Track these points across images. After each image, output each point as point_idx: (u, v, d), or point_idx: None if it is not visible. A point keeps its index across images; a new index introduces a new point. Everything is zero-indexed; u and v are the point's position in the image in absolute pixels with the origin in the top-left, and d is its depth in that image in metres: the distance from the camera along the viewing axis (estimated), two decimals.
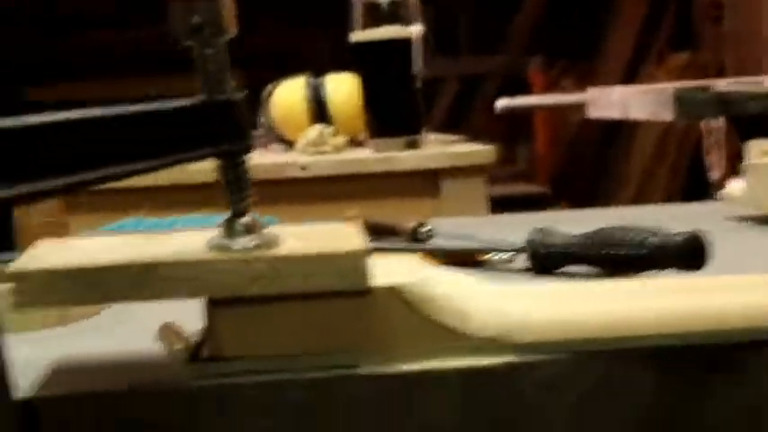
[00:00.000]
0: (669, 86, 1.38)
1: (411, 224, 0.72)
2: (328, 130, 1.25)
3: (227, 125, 0.41)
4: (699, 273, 0.52)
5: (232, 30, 0.40)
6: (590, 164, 3.92)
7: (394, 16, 1.15)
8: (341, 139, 1.25)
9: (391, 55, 1.16)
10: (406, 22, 1.16)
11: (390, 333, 0.40)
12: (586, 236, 0.57)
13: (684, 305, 0.41)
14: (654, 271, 0.54)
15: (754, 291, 0.42)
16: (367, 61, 1.18)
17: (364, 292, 0.39)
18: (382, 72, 1.17)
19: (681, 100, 1.30)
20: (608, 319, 0.40)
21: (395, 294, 0.40)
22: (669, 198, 3.63)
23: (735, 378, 0.40)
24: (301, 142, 1.23)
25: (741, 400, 0.40)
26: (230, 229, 0.41)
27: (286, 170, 1.15)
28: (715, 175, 1.84)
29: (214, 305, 0.40)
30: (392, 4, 1.16)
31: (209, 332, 0.40)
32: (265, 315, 0.39)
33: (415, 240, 0.71)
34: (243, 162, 0.42)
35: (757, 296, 0.41)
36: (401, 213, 0.89)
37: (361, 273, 0.39)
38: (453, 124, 3.34)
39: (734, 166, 1.98)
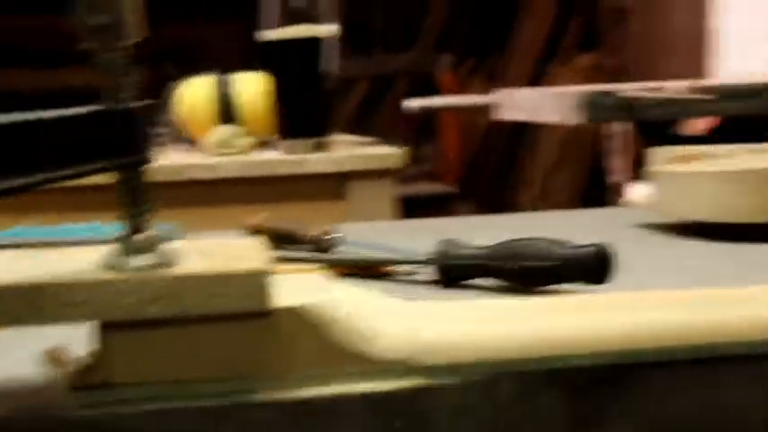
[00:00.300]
0: (578, 90, 1.40)
1: (316, 232, 0.71)
2: (236, 130, 1.23)
3: (125, 137, 0.39)
4: (605, 285, 0.52)
5: (138, 33, 0.38)
6: (496, 164, 3.96)
7: (307, 15, 1.13)
8: (249, 140, 1.23)
9: (301, 54, 1.14)
10: (320, 21, 1.14)
11: (292, 356, 0.38)
12: (494, 247, 0.56)
13: (595, 323, 0.41)
14: (561, 284, 0.54)
15: (662, 308, 0.42)
16: (277, 60, 1.16)
17: (265, 314, 0.38)
18: (292, 72, 1.15)
19: (590, 104, 1.32)
20: (520, 339, 0.39)
21: (297, 316, 0.38)
22: (572, 198, 3.69)
23: (644, 398, 0.40)
24: (208, 142, 1.20)
25: (653, 420, 0.40)
26: (126, 245, 0.39)
27: (192, 171, 1.12)
28: (615, 178, 1.88)
29: (106, 328, 0.38)
30: (306, 2, 1.13)
31: (99, 357, 0.38)
32: (161, 339, 0.38)
33: (319, 249, 0.70)
34: (140, 175, 0.40)
35: (665, 313, 0.41)
36: (309, 216, 0.88)
37: (263, 293, 0.38)
38: (363, 124, 3.34)
39: (634, 170, 2.02)
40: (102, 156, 0.39)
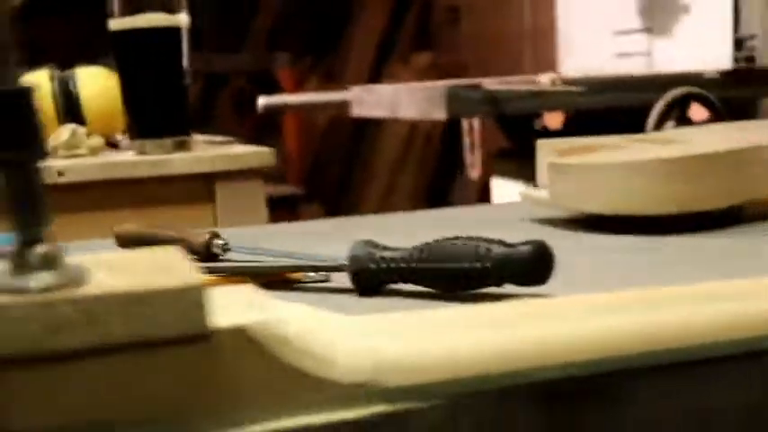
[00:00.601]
0: (440, 84, 1.37)
1: (203, 237, 0.64)
2: (82, 129, 1.12)
3: (12, 125, 0.31)
4: (543, 286, 0.48)
5: None
6: (340, 163, 3.93)
7: (157, 3, 1.04)
8: (97, 140, 1.13)
9: (160, 45, 1.05)
10: (172, 9, 1.05)
11: (239, 386, 0.32)
12: (416, 249, 0.51)
13: (567, 331, 0.36)
14: (495, 286, 0.49)
15: (631, 310, 0.38)
16: (131, 52, 1.07)
17: (205, 337, 0.31)
18: (149, 65, 1.06)
19: (452, 98, 1.29)
20: (492, 351, 0.34)
21: (243, 337, 0.32)
22: (417, 196, 3.71)
23: (627, 407, 0.36)
24: (51, 144, 1.09)
25: (636, 429, 0.36)
26: (21, 262, 0.31)
27: None
28: (474, 173, 1.87)
29: (1, 364, 0.30)
30: None
31: None
32: (72, 375, 0.30)
33: (209, 257, 0.63)
34: (35, 172, 0.32)
35: (638, 316, 0.37)
36: (176, 221, 0.80)
37: (200, 312, 0.31)
38: (199, 124, 3.22)
39: (490, 166, 2.03)
40: None
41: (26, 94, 0.31)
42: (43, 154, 0.32)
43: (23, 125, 0.32)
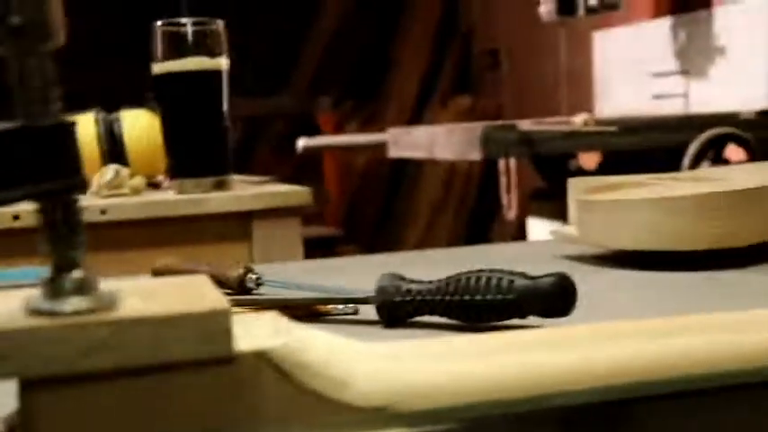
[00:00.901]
0: (476, 126, 1.39)
1: (237, 271, 0.65)
2: (125, 170, 1.15)
3: (54, 157, 0.33)
4: (566, 318, 0.49)
5: (61, 35, 0.32)
6: (378, 205, 3.96)
7: (199, 47, 1.07)
8: (139, 180, 1.16)
9: (201, 88, 1.08)
10: (214, 53, 1.08)
11: (259, 408, 0.33)
12: (441, 282, 0.52)
13: (584, 358, 0.37)
14: (519, 318, 0.50)
15: (651, 338, 0.39)
16: (173, 95, 1.10)
17: (228, 360, 0.33)
18: (190, 107, 1.09)
19: (488, 139, 1.31)
20: (508, 377, 0.35)
21: (265, 361, 0.33)
22: (456, 236, 3.71)
23: None
24: (95, 184, 1.12)
25: None
26: (56, 286, 0.33)
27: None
28: (510, 214, 1.88)
29: (31, 385, 0.32)
30: (197, 33, 1.08)
31: (24, 419, 0.32)
32: (102, 395, 0.32)
33: (243, 290, 0.64)
34: (74, 202, 0.34)
35: (657, 344, 0.38)
36: (214, 258, 0.82)
37: (225, 336, 0.32)
38: (238, 166, 3.27)
39: (527, 206, 2.04)
40: (23, 181, 0.33)
41: (67, 128, 0.33)
42: (82, 185, 0.34)
43: (64, 157, 0.34)
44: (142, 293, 0.34)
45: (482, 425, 0.35)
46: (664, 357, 0.37)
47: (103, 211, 1.03)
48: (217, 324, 0.32)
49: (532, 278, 0.49)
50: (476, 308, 0.50)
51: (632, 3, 2.19)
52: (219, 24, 1.10)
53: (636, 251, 0.68)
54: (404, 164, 3.77)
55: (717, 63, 1.82)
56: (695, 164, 1.32)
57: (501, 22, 3.90)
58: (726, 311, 0.43)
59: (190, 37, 1.08)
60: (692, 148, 1.32)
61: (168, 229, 1.05)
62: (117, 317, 0.32)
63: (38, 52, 0.32)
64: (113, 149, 1.23)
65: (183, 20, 1.09)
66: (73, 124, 0.34)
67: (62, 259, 0.33)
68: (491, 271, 0.51)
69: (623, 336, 0.40)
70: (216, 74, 1.08)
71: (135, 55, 1.35)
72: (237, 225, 1.07)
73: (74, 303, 0.32)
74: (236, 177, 1.18)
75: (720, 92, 1.79)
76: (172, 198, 1.08)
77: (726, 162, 1.40)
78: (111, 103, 1.30)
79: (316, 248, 3.25)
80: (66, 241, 0.34)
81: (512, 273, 0.50)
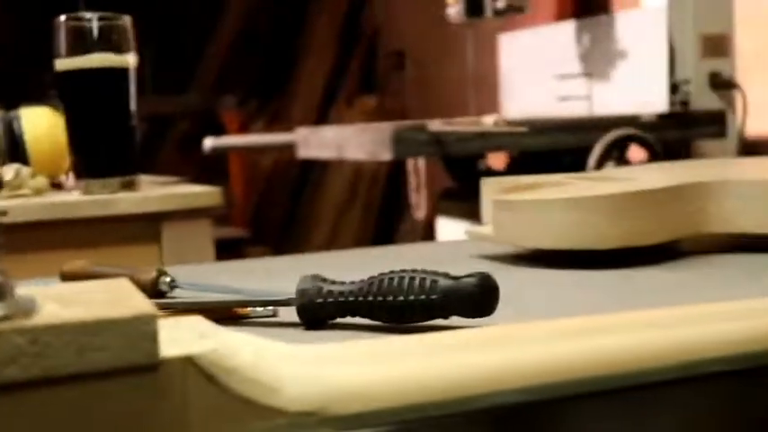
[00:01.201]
0: (386, 126, 1.39)
1: (150, 274, 0.64)
2: (26, 170, 1.12)
3: None
4: (488, 317, 0.49)
5: None
6: (285, 206, 3.93)
7: (105, 43, 1.04)
8: (41, 181, 1.12)
9: (107, 85, 1.05)
10: (120, 50, 1.05)
11: (187, 415, 0.32)
12: (363, 283, 0.52)
13: (511, 358, 0.37)
14: (441, 318, 0.50)
15: (576, 337, 0.39)
16: (78, 93, 1.06)
17: (154, 367, 0.32)
18: (96, 105, 1.06)
19: (398, 139, 1.31)
20: (438, 378, 0.35)
21: (192, 366, 0.32)
22: (362, 237, 3.72)
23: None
24: None
25: None
26: None
27: None
28: (419, 213, 1.89)
29: None
30: (103, 29, 1.04)
31: None
32: (24, 406, 0.30)
33: (156, 294, 0.63)
34: None
35: (582, 343, 0.38)
36: (123, 261, 0.79)
37: (152, 342, 0.31)
38: (142, 166, 3.20)
39: (435, 206, 2.05)
40: None
41: None
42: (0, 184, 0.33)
43: None
44: (61, 299, 0.33)
45: (411, 428, 0.34)
46: (591, 356, 0.37)
47: (3, 213, 0.99)
48: (142, 329, 0.31)
49: (455, 278, 0.49)
50: (399, 309, 0.50)
51: (537, 6, 2.23)
52: (126, 20, 1.07)
53: (551, 250, 0.69)
54: (311, 164, 3.75)
55: (618, 66, 1.86)
56: (600, 164, 1.35)
57: (405, 23, 3.93)
58: (642, 308, 0.44)
59: (95, 32, 1.04)
60: (598, 149, 1.35)
61: (73, 231, 1.02)
62: (35, 324, 0.30)
63: None
64: (13, 148, 1.19)
65: (88, 15, 1.06)
66: None
67: None
68: (413, 271, 0.51)
69: (549, 335, 0.40)
70: (122, 71, 1.05)
71: (36, 51, 1.30)
72: (146, 227, 1.05)
73: None
74: (143, 178, 1.15)
75: (621, 94, 1.84)
76: (77, 199, 1.05)
77: (628, 162, 1.44)
78: (10, 101, 1.25)
79: (223, 250, 3.21)
80: None
81: (435, 273, 0.50)
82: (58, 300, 0.33)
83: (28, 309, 0.31)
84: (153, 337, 0.31)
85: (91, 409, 0.31)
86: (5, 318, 0.31)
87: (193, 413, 0.32)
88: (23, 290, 0.33)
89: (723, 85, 1.66)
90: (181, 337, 0.34)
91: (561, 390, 0.36)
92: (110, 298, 0.33)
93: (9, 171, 1.10)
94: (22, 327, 0.30)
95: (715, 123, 1.64)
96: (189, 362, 0.32)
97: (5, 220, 0.98)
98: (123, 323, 0.31)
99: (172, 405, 0.32)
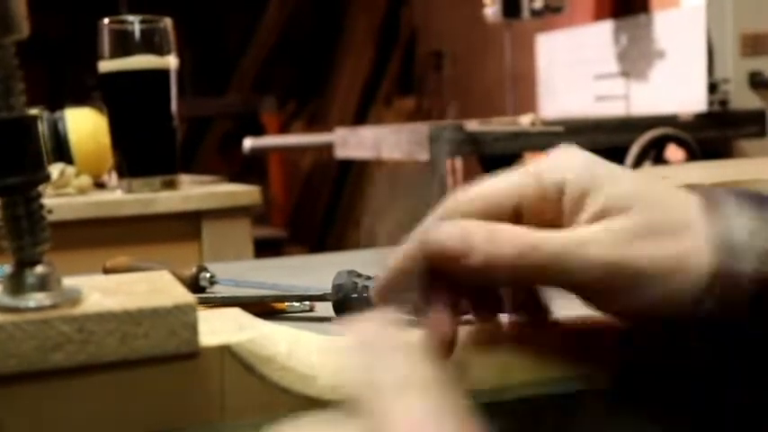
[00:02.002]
0: (423, 125, 1.39)
1: (190, 270, 0.65)
2: (71, 169, 1.14)
3: (17, 151, 0.33)
4: None
5: (25, 27, 0.32)
6: (324, 206, 3.95)
7: (147, 45, 1.06)
8: (85, 180, 1.14)
9: (149, 87, 1.07)
10: (162, 52, 1.07)
11: (225, 402, 0.33)
12: None
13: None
14: None
15: None
16: (120, 94, 1.08)
17: (193, 355, 0.33)
18: (138, 106, 1.08)
19: (435, 139, 1.32)
20: (475, 368, 0.36)
21: (230, 355, 0.33)
22: (401, 236, 3.72)
23: None
24: None
25: None
26: (18, 282, 0.33)
27: None
28: None
29: None
30: (145, 31, 1.07)
31: None
32: (68, 392, 0.32)
33: (196, 289, 0.64)
34: (37, 197, 0.34)
35: None
36: (163, 259, 0.81)
37: (191, 330, 0.33)
38: (182, 167, 3.23)
39: None
40: None
41: (30, 121, 0.33)
42: (45, 179, 0.34)
43: (27, 151, 0.33)
44: (106, 289, 0.34)
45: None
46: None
47: (49, 211, 1.01)
48: (182, 319, 0.32)
49: None
50: None
51: (575, 6, 2.22)
52: (167, 22, 1.09)
53: None
54: (349, 164, 3.77)
55: (656, 66, 1.85)
56: (638, 164, 1.35)
57: (443, 24, 3.93)
58: None
59: (137, 35, 1.06)
60: (635, 149, 1.35)
61: (116, 229, 1.04)
62: (81, 312, 0.32)
63: (1, 45, 0.32)
64: (58, 148, 1.21)
65: (131, 17, 1.08)
66: (36, 118, 0.34)
67: (25, 255, 0.33)
68: None
69: None
70: (164, 73, 1.07)
71: (81, 53, 1.33)
72: (187, 225, 1.06)
73: (37, 299, 0.32)
74: (184, 177, 1.17)
75: (659, 94, 1.83)
76: (120, 198, 1.07)
77: (666, 162, 1.43)
78: (55, 102, 1.28)
79: (262, 250, 3.23)
80: (28, 237, 0.33)
81: None
82: (103, 290, 0.34)
83: (74, 298, 0.33)
84: (193, 326, 0.32)
85: (133, 395, 0.32)
86: (52, 307, 0.32)
87: (230, 400, 0.33)
88: (69, 281, 0.34)
89: (763, 84, 1.64)
90: (220, 328, 0.35)
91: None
92: (151, 289, 0.35)
93: (54, 170, 1.13)
94: (68, 315, 0.31)
95: (754, 123, 1.62)
96: (227, 351, 0.33)
97: (51, 218, 1.00)
98: (164, 312, 0.32)
99: (210, 392, 0.33)
